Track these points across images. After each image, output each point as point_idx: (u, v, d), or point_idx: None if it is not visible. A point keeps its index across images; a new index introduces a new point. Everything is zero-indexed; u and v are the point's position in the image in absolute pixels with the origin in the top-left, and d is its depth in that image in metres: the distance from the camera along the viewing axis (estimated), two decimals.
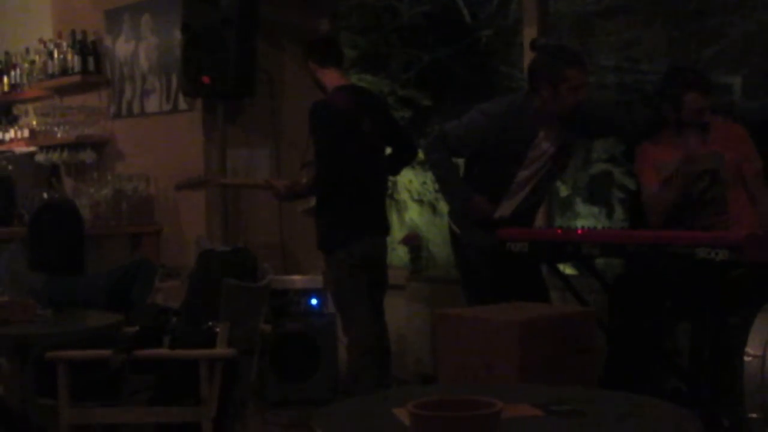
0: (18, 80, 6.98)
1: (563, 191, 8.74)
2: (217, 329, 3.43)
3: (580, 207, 9.30)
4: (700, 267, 3.62)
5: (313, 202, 4.67)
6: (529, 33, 5.22)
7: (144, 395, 3.82)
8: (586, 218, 8.89)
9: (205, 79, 5.45)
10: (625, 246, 3.96)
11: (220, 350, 3.39)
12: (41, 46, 6.71)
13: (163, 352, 3.51)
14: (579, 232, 4.18)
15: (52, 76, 6.57)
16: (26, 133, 6.77)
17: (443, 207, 9.13)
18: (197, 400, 3.40)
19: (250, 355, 3.65)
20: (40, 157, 6.54)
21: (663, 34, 7.71)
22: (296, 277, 5.49)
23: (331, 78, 4.64)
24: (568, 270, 4.91)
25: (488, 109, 4.36)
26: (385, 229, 4.70)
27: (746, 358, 2.99)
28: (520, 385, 2.51)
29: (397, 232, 6.45)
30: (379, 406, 2.21)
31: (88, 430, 3.74)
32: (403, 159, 4.86)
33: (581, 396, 2.26)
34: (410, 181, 8.67)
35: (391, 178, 5.28)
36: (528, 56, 5.22)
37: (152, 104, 6.08)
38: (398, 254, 6.20)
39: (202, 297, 3.61)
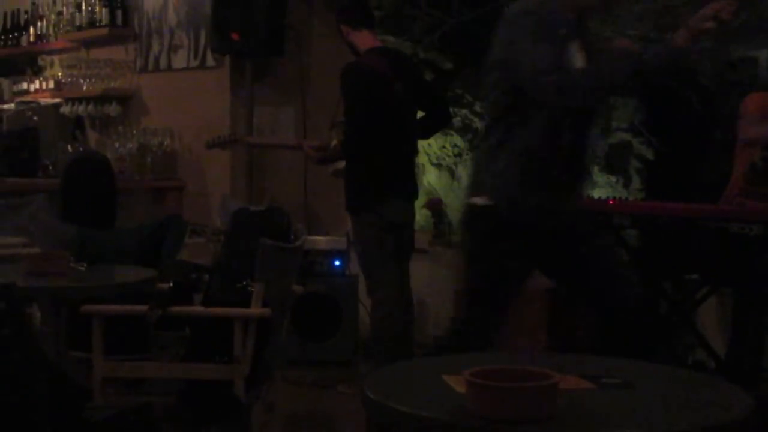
0: (44, 31, 6.96)
1: None
2: (252, 288, 3.44)
3: (598, 176, 9.28)
4: (734, 241, 3.64)
5: (342, 164, 4.67)
6: None
7: (172, 350, 3.86)
8: (603, 187, 8.88)
9: (235, 36, 5.44)
10: (658, 218, 3.98)
11: (256, 309, 3.41)
12: None
13: (200, 309, 3.54)
14: (611, 202, 4.19)
15: (79, 28, 6.55)
16: (51, 84, 6.77)
17: (462, 171, 9.13)
18: (230, 358, 3.42)
19: (282, 315, 3.67)
20: (65, 109, 6.53)
21: (691, 4, 7.66)
22: (319, 238, 5.51)
23: (364, 40, 4.63)
24: None
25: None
26: (414, 193, 4.70)
27: None
28: (560, 355, 2.52)
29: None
30: (428, 372, 2.23)
31: (116, 382, 3.77)
32: (436, 123, 4.85)
33: (625, 367, 2.27)
34: (429, 145, 8.65)
35: None
36: None
37: (180, 60, 6.07)
38: (419, 219, 6.22)
39: (237, 256, 3.62)
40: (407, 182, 4.66)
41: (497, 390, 1.82)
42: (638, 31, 8.14)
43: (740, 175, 3.98)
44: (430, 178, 9.04)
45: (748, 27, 7.12)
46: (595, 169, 9.42)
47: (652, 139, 9.16)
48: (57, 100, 6.72)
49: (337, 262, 5.43)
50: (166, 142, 6.06)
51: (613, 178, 9.46)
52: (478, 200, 3.24)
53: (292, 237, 3.76)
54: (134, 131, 6.15)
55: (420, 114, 4.77)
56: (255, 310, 3.41)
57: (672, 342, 4.43)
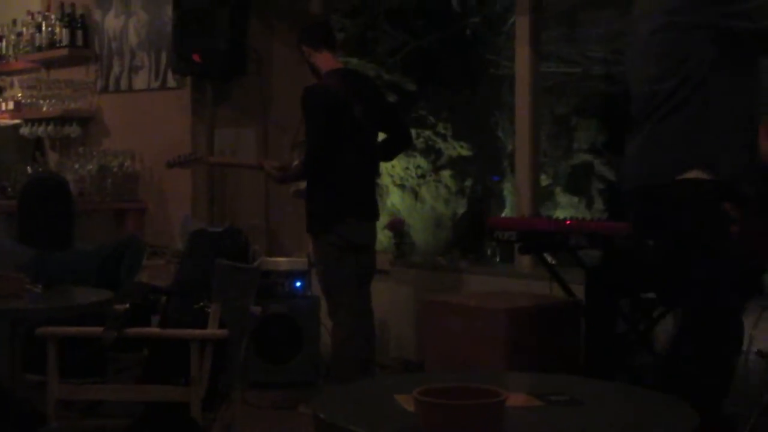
0: (4, 52, 6.92)
1: (544, 181, 8.80)
2: (209, 310, 3.43)
3: (561, 197, 9.36)
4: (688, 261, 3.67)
5: (303, 184, 4.68)
6: (522, 22, 5.24)
7: (129, 373, 3.83)
8: (566, 208, 8.96)
9: (196, 58, 5.44)
10: (613, 237, 4.01)
11: (212, 331, 3.39)
12: (29, 19, 6.66)
13: (156, 331, 3.52)
14: (567, 222, 4.22)
15: (40, 48, 6.52)
16: (11, 105, 6.72)
17: (425, 193, 9.18)
18: (187, 379, 3.40)
19: (240, 336, 3.66)
20: (24, 130, 6.49)
21: None
22: (280, 259, 5.50)
23: (325, 62, 4.65)
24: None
25: None
26: (375, 214, 4.71)
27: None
28: (512, 374, 2.55)
29: (380, 217, 6.49)
30: (377, 391, 2.24)
31: (72, 405, 3.74)
32: (397, 145, 4.87)
33: (574, 385, 2.29)
34: (393, 166, 8.69)
35: None
36: (519, 45, 5.26)
37: (140, 81, 6.06)
38: (381, 240, 6.23)
39: (194, 277, 3.61)
40: (368, 203, 4.67)
41: (445, 408, 1.83)
42: (599, 52, 8.24)
43: None
44: (393, 199, 9.06)
45: None
46: (558, 190, 9.50)
47: (613, 160, 9.25)
48: (17, 121, 6.68)
49: (298, 283, 5.42)
50: (126, 163, 6.04)
51: (575, 199, 9.53)
52: (695, 174, 3.02)
53: (250, 257, 3.75)
54: (95, 152, 6.12)
55: (381, 136, 4.79)
56: (211, 331, 3.39)
57: (630, 361, 4.46)
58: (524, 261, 5.15)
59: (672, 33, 3.04)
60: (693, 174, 3.02)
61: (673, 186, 3.06)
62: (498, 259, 6.40)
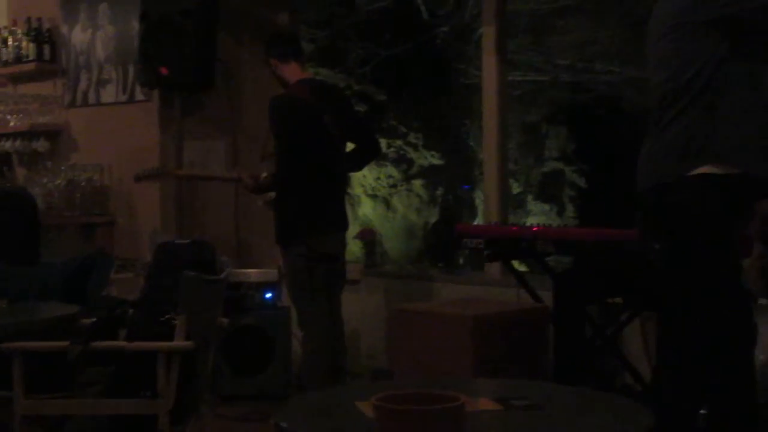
0: None
1: (515, 188, 8.85)
2: (175, 322, 3.42)
3: (532, 204, 9.40)
4: (653, 265, 3.70)
5: (273, 194, 4.68)
6: (488, 31, 5.27)
7: (98, 387, 3.81)
8: (538, 215, 9.00)
9: (163, 70, 5.42)
10: (580, 243, 4.04)
11: (179, 343, 3.38)
12: None
13: (121, 344, 3.50)
14: (534, 229, 4.24)
15: (6, 63, 6.49)
16: None
17: (396, 202, 9.20)
18: (154, 392, 3.39)
19: (207, 348, 3.65)
20: None
21: (617, 35, 7.83)
22: (251, 271, 5.49)
23: (293, 72, 4.66)
24: (520, 267, 4.97)
25: None
26: (344, 224, 4.72)
27: None
28: (478, 380, 2.56)
29: (351, 227, 6.50)
30: (341, 399, 2.24)
31: (40, 421, 3.71)
32: (366, 155, 4.87)
33: (538, 390, 2.30)
34: (364, 176, 8.71)
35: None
36: (486, 53, 5.29)
37: (108, 94, 6.04)
38: (352, 249, 6.24)
39: (161, 289, 3.60)
40: (337, 213, 4.67)
41: (403, 414, 1.83)
42: (567, 60, 8.29)
43: None
44: (365, 208, 9.07)
45: None
46: (529, 197, 9.54)
47: (584, 168, 9.30)
48: None
49: (268, 295, 5.41)
50: (95, 177, 6.01)
51: (547, 206, 9.57)
52: (708, 169, 2.91)
53: (217, 269, 3.75)
54: (63, 167, 6.09)
55: (350, 146, 4.80)
56: (177, 343, 3.38)
57: (600, 366, 4.49)
58: (494, 269, 5.17)
59: (678, 34, 3.03)
60: (703, 170, 2.93)
61: (680, 183, 2.97)
62: (469, 268, 6.42)
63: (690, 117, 2.97)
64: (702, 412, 3.35)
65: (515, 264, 4.58)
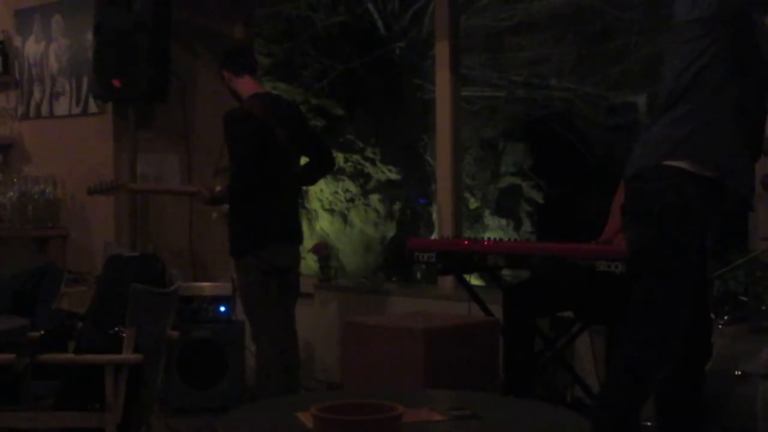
0: None
1: (472, 204, 8.90)
2: (124, 334, 3.41)
3: (489, 219, 9.45)
4: (601, 279, 3.74)
5: (225, 208, 4.68)
6: (441, 47, 5.31)
7: (47, 401, 3.78)
8: (495, 230, 9.04)
9: (116, 83, 5.41)
10: (530, 257, 4.07)
11: (127, 356, 3.37)
12: None
13: (68, 356, 3.48)
14: (486, 243, 4.27)
15: None
16: None
17: (354, 217, 9.21)
18: (102, 405, 3.37)
19: (157, 360, 3.64)
20: None
21: (571, 52, 7.92)
22: (204, 284, 5.48)
23: (246, 86, 4.66)
24: (475, 281, 5.00)
25: None
26: (298, 238, 4.73)
27: None
28: (426, 391, 2.58)
29: (308, 241, 6.50)
30: (283, 410, 2.25)
31: None
32: (320, 169, 4.90)
33: (483, 401, 2.33)
34: (321, 191, 8.71)
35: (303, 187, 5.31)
36: (440, 69, 5.33)
37: (62, 106, 6.01)
38: (307, 263, 6.24)
39: (109, 302, 3.58)
40: (290, 226, 4.68)
41: (340, 423, 1.85)
42: (521, 76, 8.37)
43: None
44: (322, 223, 9.07)
45: (627, 74, 7.39)
46: (487, 212, 9.59)
47: (541, 183, 9.38)
48: None
49: (222, 308, 5.40)
50: (48, 190, 5.97)
51: (504, 221, 9.62)
52: (685, 165, 2.92)
53: (167, 282, 3.74)
54: (15, 179, 6.04)
55: (304, 160, 4.82)
56: (125, 355, 3.37)
57: (551, 379, 4.52)
58: (447, 282, 5.19)
59: (677, 35, 3.08)
60: (681, 164, 2.95)
61: (658, 171, 2.98)
62: (425, 282, 6.44)
63: (673, 116, 3.01)
64: (647, 424, 3.40)
65: (470, 278, 4.61)
